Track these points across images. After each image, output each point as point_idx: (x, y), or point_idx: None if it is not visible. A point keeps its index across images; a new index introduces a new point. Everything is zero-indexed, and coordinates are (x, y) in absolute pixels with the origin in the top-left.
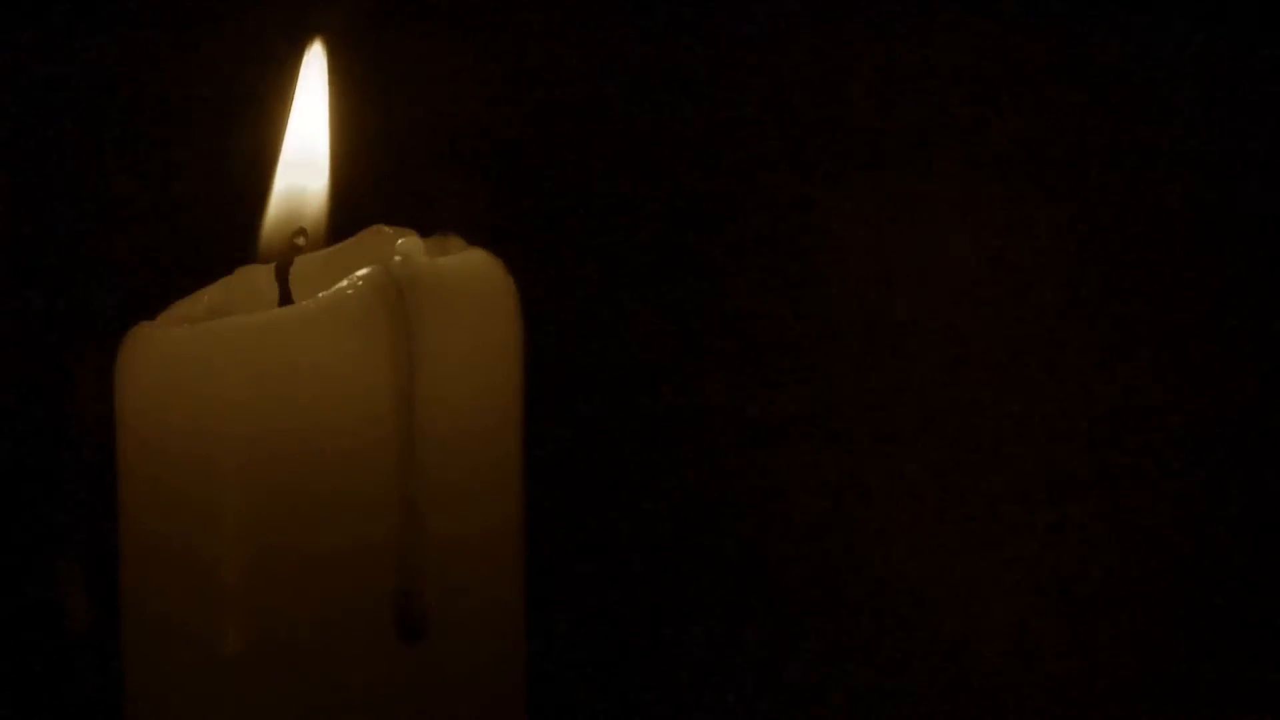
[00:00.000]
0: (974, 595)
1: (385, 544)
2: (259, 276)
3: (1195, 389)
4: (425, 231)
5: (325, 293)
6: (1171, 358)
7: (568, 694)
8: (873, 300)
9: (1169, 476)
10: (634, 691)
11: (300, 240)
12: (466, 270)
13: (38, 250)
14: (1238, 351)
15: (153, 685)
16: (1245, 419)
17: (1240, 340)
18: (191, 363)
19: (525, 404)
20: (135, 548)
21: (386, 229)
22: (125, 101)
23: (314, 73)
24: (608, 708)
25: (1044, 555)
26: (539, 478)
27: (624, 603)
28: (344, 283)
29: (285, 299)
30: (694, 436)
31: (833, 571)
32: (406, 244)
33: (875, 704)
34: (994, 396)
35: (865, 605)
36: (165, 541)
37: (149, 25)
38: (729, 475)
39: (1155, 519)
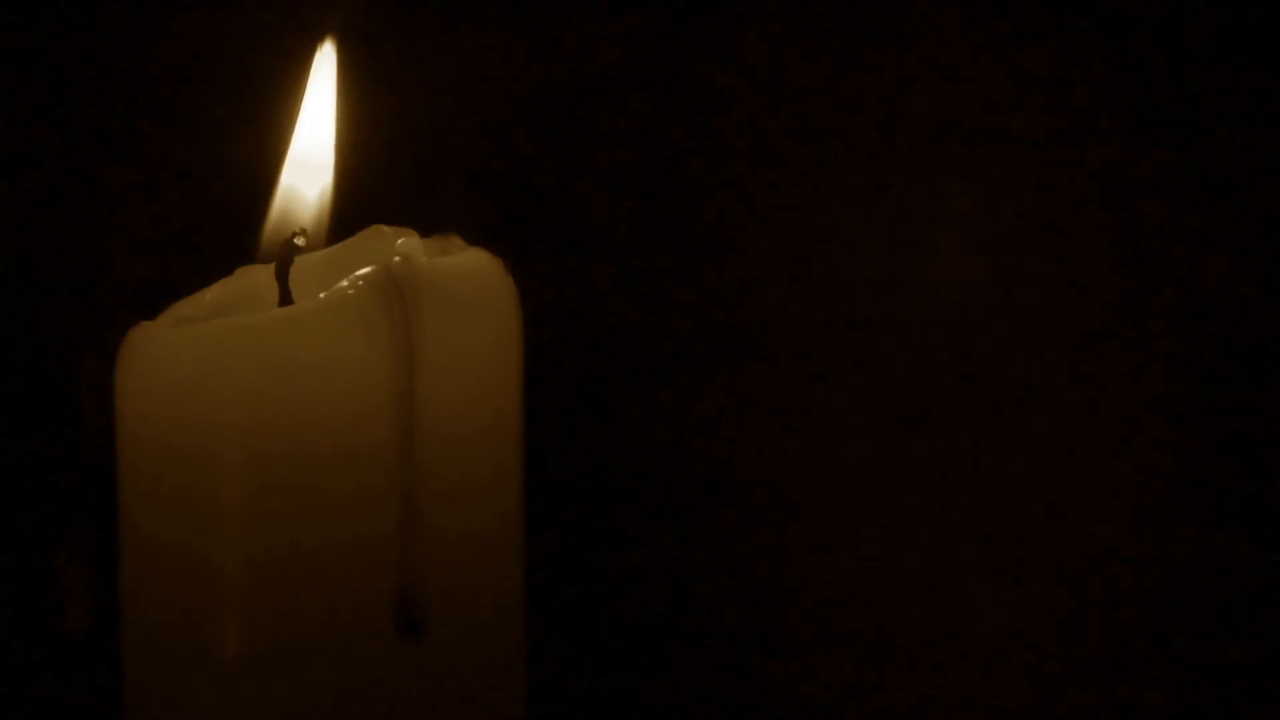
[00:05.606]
0: (972, 594)
1: (385, 543)
2: (259, 276)
3: (1197, 392)
4: (425, 231)
5: (325, 293)
6: (1173, 360)
7: (568, 692)
8: (874, 301)
9: (1170, 477)
10: (634, 690)
11: (300, 240)
12: (466, 270)
13: (38, 250)
14: (1240, 357)
15: (153, 685)
16: (1247, 423)
17: (1242, 344)
18: (191, 363)
19: (524, 403)
20: (135, 547)
21: (386, 229)
22: (127, 100)
23: (323, 73)
24: (608, 706)
25: (1045, 558)
26: (538, 476)
27: (623, 601)
28: (344, 283)
29: (285, 299)
30: (694, 436)
31: (836, 570)
32: (406, 244)
33: (876, 703)
34: (994, 398)
35: (867, 605)
36: (165, 541)
37: (153, 22)
38: (730, 474)
39: (1153, 521)
